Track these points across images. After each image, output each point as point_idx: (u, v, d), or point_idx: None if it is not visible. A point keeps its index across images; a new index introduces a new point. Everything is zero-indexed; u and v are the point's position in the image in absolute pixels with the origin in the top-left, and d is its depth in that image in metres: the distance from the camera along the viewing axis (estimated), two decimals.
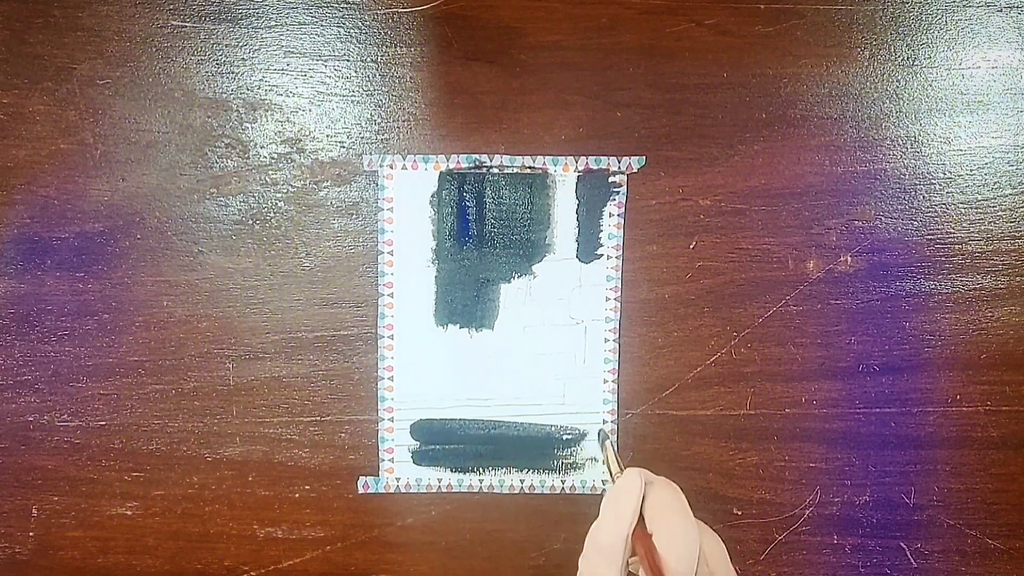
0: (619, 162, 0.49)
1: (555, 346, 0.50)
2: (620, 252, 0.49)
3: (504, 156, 0.49)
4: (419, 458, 0.51)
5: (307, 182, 0.49)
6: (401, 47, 0.48)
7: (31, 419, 0.50)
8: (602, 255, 0.50)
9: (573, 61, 0.48)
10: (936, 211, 0.49)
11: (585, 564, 0.38)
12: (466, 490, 0.51)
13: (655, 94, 0.49)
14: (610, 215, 0.49)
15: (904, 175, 0.49)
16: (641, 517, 0.37)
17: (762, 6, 0.48)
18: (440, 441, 0.51)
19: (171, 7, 0.48)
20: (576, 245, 0.50)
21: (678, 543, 0.36)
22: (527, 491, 0.51)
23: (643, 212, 0.49)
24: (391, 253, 0.50)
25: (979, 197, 0.49)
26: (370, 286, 0.50)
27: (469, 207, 0.49)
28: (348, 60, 0.48)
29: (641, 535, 0.37)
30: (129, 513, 0.51)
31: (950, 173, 0.49)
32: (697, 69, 0.48)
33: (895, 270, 0.50)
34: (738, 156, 0.49)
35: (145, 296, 0.50)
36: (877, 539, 0.51)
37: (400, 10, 0.48)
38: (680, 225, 0.49)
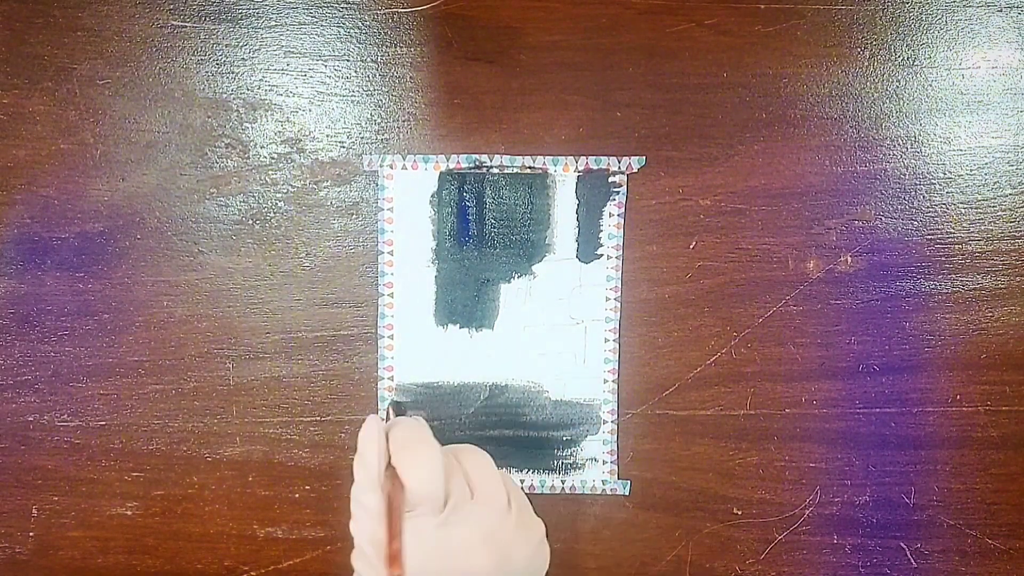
0: (619, 162, 0.49)
1: (555, 346, 0.50)
2: (620, 252, 0.49)
3: (504, 156, 0.49)
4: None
5: (307, 182, 0.49)
6: (401, 47, 0.48)
7: (31, 419, 0.50)
8: (602, 255, 0.50)
9: (573, 61, 0.48)
10: (936, 211, 0.49)
11: (355, 527, 0.38)
12: None
13: (655, 94, 0.49)
14: (610, 215, 0.49)
15: (904, 175, 0.49)
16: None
17: (762, 6, 0.48)
18: (440, 441, 0.51)
19: (171, 7, 0.48)
20: (576, 245, 0.50)
21: (418, 467, 0.36)
22: (527, 491, 0.51)
23: (643, 212, 0.49)
24: (391, 253, 0.50)
25: (979, 197, 0.49)
26: (370, 286, 0.50)
27: (469, 207, 0.49)
28: (348, 60, 0.48)
29: (392, 475, 0.36)
30: (129, 513, 0.51)
31: (950, 173, 0.49)
32: (697, 69, 0.48)
33: (895, 270, 0.50)
34: (738, 156, 0.49)
35: (145, 296, 0.50)
36: (877, 539, 0.51)
37: (400, 10, 0.48)
38: (680, 225, 0.49)
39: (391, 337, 0.50)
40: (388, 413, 0.45)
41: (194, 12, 0.48)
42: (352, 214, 0.49)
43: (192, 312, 0.50)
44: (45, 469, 0.51)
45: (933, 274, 0.50)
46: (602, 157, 0.49)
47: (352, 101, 0.49)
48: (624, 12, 0.48)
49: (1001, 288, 0.50)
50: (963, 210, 0.49)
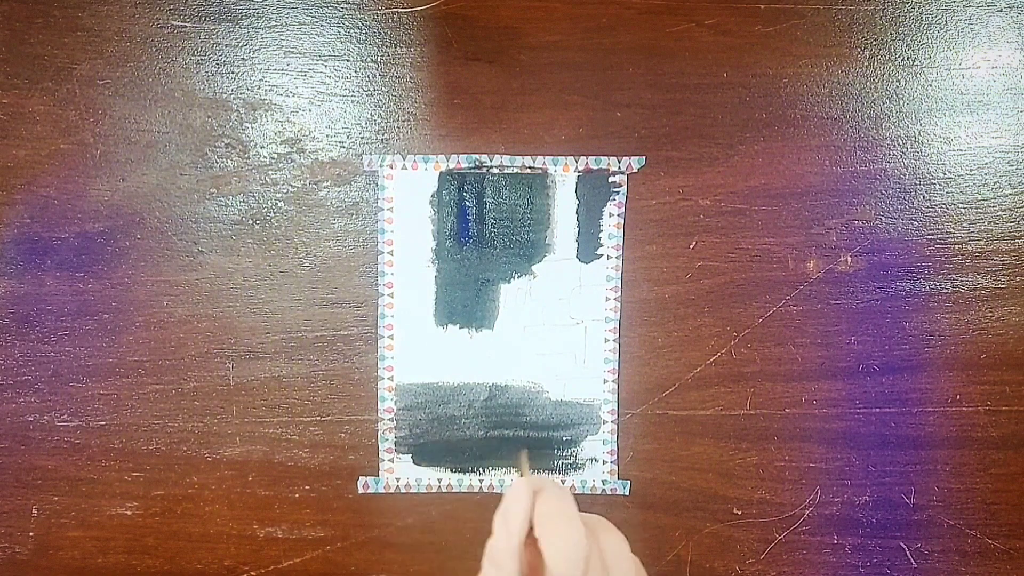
0: (619, 162, 0.49)
1: (555, 346, 0.50)
2: (620, 252, 0.49)
3: (504, 156, 0.49)
4: (419, 458, 0.51)
5: (307, 182, 0.49)
6: (401, 47, 0.48)
7: (31, 419, 0.50)
8: (602, 255, 0.50)
9: (573, 61, 0.48)
10: (936, 211, 0.49)
11: None
12: (466, 490, 0.51)
13: (655, 94, 0.49)
14: (610, 215, 0.49)
15: (904, 175, 0.49)
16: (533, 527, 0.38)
17: (762, 6, 0.48)
18: (440, 441, 0.51)
19: (171, 7, 0.48)
20: (576, 245, 0.50)
21: (561, 546, 0.36)
22: None
23: (643, 212, 0.49)
24: (391, 253, 0.50)
25: (979, 197, 0.49)
26: (370, 286, 0.50)
27: (469, 207, 0.49)
28: (348, 60, 0.48)
29: (531, 543, 0.37)
30: (129, 513, 0.51)
31: (950, 173, 0.49)
32: (697, 69, 0.48)
33: (895, 270, 0.50)
34: (738, 156, 0.49)
35: (145, 296, 0.50)
36: (877, 539, 0.51)
37: (400, 10, 0.48)
38: (680, 225, 0.49)
39: (391, 337, 0.50)
40: (525, 459, 0.47)
41: (194, 12, 0.48)
42: (352, 214, 0.49)
43: (192, 312, 0.50)
44: (45, 469, 0.51)
45: (933, 274, 0.50)
46: (602, 157, 0.49)
47: (352, 101, 0.49)
48: (624, 12, 0.48)
49: (1001, 288, 0.50)
50: (963, 210, 0.49)
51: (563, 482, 0.51)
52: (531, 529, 0.38)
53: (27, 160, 0.49)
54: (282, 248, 0.50)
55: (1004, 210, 0.49)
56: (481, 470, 0.51)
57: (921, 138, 0.49)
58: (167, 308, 0.50)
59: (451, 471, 0.51)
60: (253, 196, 0.49)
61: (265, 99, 0.49)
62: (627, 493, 0.51)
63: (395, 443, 0.51)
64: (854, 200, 0.49)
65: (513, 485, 0.39)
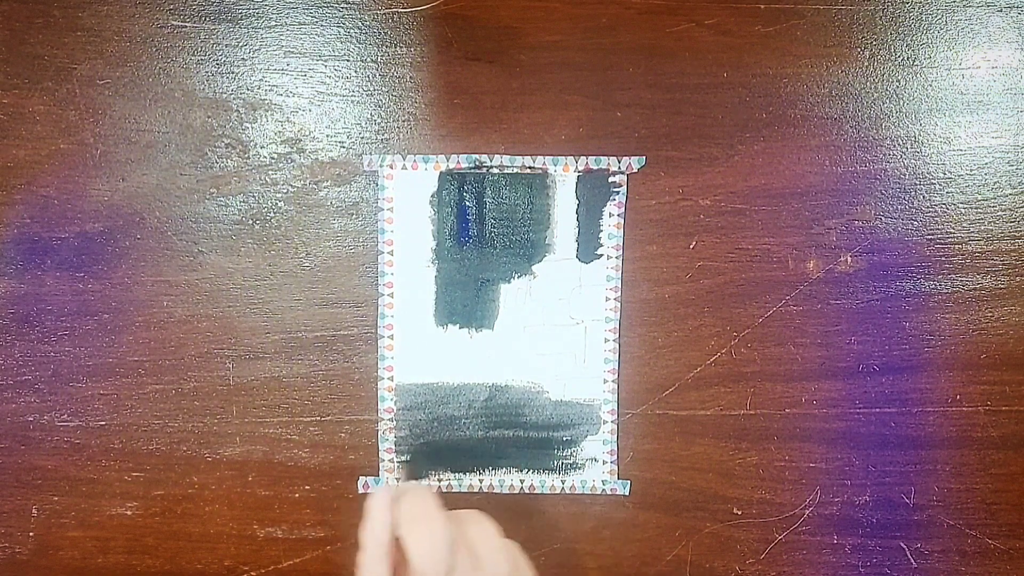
0: (619, 162, 0.49)
1: (555, 346, 0.50)
2: (620, 252, 0.49)
3: (504, 156, 0.49)
4: (419, 458, 0.51)
5: (307, 182, 0.49)
6: (401, 47, 0.48)
7: (31, 419, 0.50)
8: (602, 255, 0.50)
9: (573, 61, 0.48)
10: (936, 211, 0.49)
11: None
12: (466, 490, 0.51)
13: (655, 94, 0.49)
14: (610, 215, 0.49)
15: (904, 175, 0.49)
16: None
17: (762, 6, 0.48)
18: (440, 441, 0.51)
19: (171, 7, 0.48)
20: (576, 245, 0.50)
21: (422, 543, 0.37)
22: (527, 491, 0.51)
23: (643, 212, 0.49)
24: (391, 253, 0.50)
25: (979, 197, 0.49)
26: (370, 286, 0.50)
27: (469, 207, 0.49)
28: (348, 60, 0.48)
29: (396, 546, 0.38)
30: (129, 513, 0.51)
31: (950, 173, 0.49)
32: (697, 69, 0.48)
33: (895, 270, 0.50)
34: (738, 156, 0.49)
35: (145, 296, 0.50)
36: (877, 539, 0.51)
37: (400, 10, 0.48)
38: (680, 225, 0.49)
39: (391, 337, 0.50)
40: (400, 469, 0.48)
41: (194, 12, 0.48)
42: (352, 214, 0.49)
43: (192, 312, 0.50)
44: (45, 469, 0.51)
45: (933, 274, 0.50)
46: (602, 157, 0.49)
47: (352, 101, 0.49)
48: (624, 12, 0.48)
49: (1001, 288, 0.50)
50: (963, 210, 0.49)
51: (563, 482, 0.51)
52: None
53: (27, 160, 0.49)
54: (282, 248, 0.50)
55: (1004, 210, 0.49)
56: (481, 470, 0.51)
57: (921, 138, 0.49)
58: (167, 308, 0.50)
59: (451, 471, 0.51)
60: (253, 196, 0.49)
61: (265, 99, 0.49)
62: (627, 493, 0.51)
63: (395, 443, 0.51)
64: (854, 200, 0.49)
65: (371, 496, 0.39)
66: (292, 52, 0.48)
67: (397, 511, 0.38)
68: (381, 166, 0.49)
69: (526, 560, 0.41)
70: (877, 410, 0.51)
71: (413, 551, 0.37)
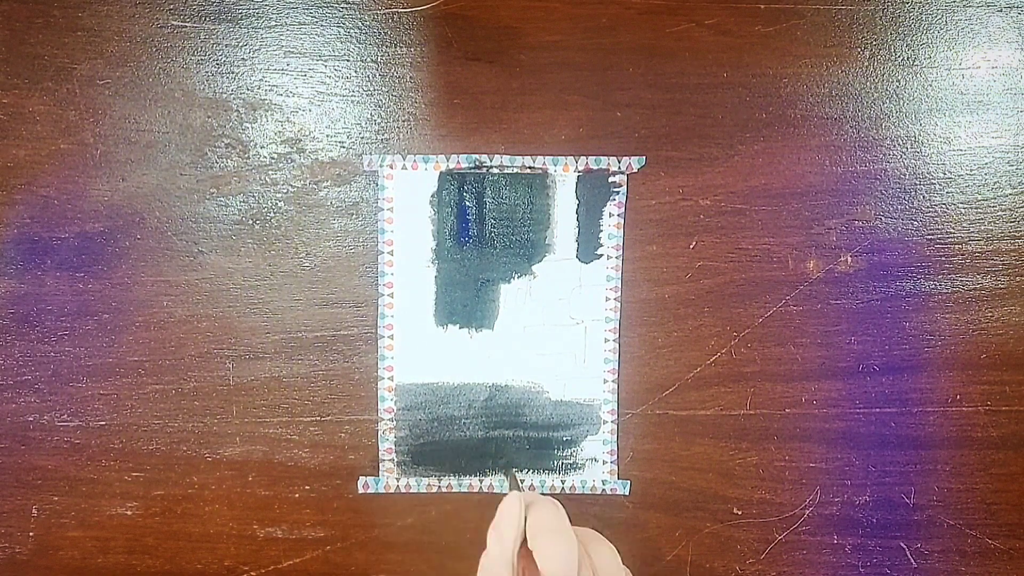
0: (619, 162, 0.49)
1: (555, 346, 0.50)
2: (620, 252, 0.49)
3: (504, 156, 0.49)
4: (419, 458, 0.51)
5: (307, 182, 0.49)
6: (401, 47, 0.48)
7: (31, 419, 0.50)
8: (602, 255, 0.50)
9: (573, 61, 0.48)
10: (936, 211, 0.49)
11: None
12: (466, 490, 0.51)
13: (655, 94, 0.49)
14: (610, 215, 0.49)
15: (904, 175, 0.49)
16: (527, 539, 0.39)
17: (762, 6, 0.48)
18: (440, 441, 0.51)
19: (171, 7, 0.48)
20: (576, 245, 0.50)
21: (554, 556, 0.37)
22: (527, 491, 0.51)
23: (643, 212, 0.49)
24: (391, 253, 0.50)
25: (979, 197, 0.49)
26: (370, 286, 0.50)
27: (469, 207, 0.49)
28: (348, 60, 0.48)
29: (524, 553, 0.38)
30: (129, 513, 0.51)
31: (950, 173, 0.49)
32: (697, 69, 0.48)
33: (895, 270, 0.50)
34: (738, 156, 0.49)
35: (145, 296, 0.50)
36: (877, 539, 0.51)
37: (400, 10, 0.48)
38: (680, 225, 0.49)
39: (391, 337, 0.50)
40: (514, 475, 0.49)
41: (194, 12, 0.48)
42: (352, 214, 0.49)
43: (192, 312, 0.50)
44: (45, 469, 0.51)
45: (933, 274, 0.50)
46: (602, 157, 0.49)
47: (352, 101, 0.49)
48: (624, 12, 0.48)
49: (1001, 288, 0.50)
50: (963, 210, 0.49)
51: (563, 482, 0.51)
52: (524, 542, 0.38)
53: (27, 160, 0.49)
54: (282, 248, 0.50)
55: (1004, 210, 0.49)
56: (481, 470, 0.51)
57: (921, 138, 0.49)
58: (167, 308, 0.50)
59: (451, 471, 0.51)
60: (253, 196, 0.49)
61: (265, 99, 0.49)
62: (627, 493, 0.51)
63: (395, 443, 0.51)
64: (854, 200, 0.49)
65: (505, 499, 0.40)
66: (292, 52, 0.48)
67: (529, 520, 0.39)
68: (381, 166, 0.49)
69: None
70: (877, 410, 0.51)
71: (545, 560, 0.37)
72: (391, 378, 0.50)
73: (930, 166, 0.49)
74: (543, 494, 0.51)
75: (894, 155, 0.49)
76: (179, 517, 0.51)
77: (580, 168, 0.49)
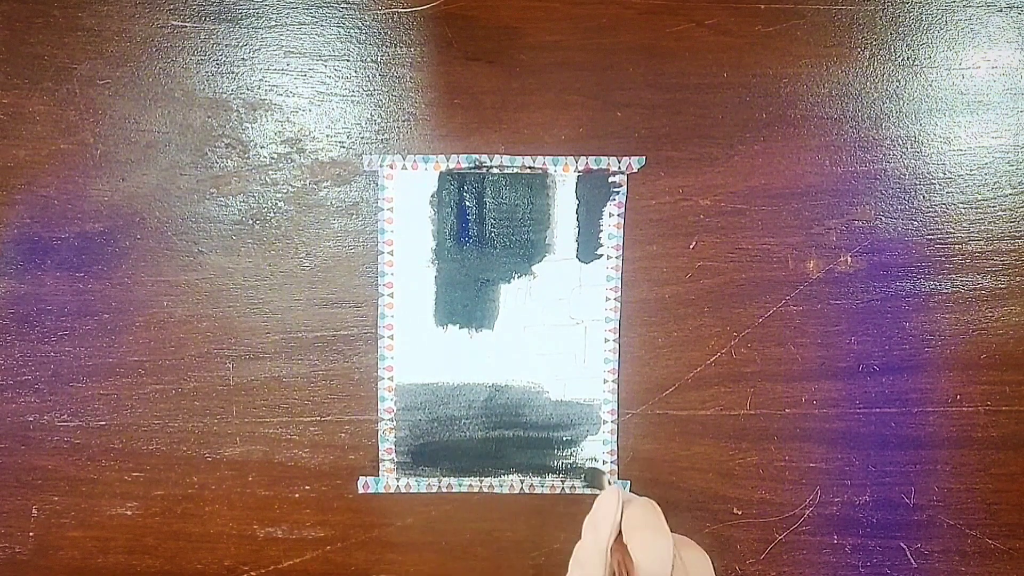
0: (619, 162, 0.49)
1: (555, 346, 0.50)
2: (620, 252, 0.50)
3: (504, 156, 0.49)
4: (419, 458, 0.51)
5: (307, 182, 0.49)
6: (401, 47, 0.48)
7: (31, 419, 0.50)
8: (602, 255, 0.50)
9: (573, 61, 0.48)
10: (936, 211, 0.49)
11: None
12: (466, 490, 0.51)
13: (655, 94, 0.49)
14: (610, 215, 0.49)
15: (904, 175, 0.49)
16: (621, 534, 0.39)
17: (762, 6, 0.48)
18: (440, 441, 0.51)
19: (171, 7, 0.48)
20: (576, 245, 0.50)
21: (650, 551, 0.38)
22: (527, 491, 0.51)
23: (643, 212, 0.49)
24: (391, 253, 0.50)
25: (979, 197, 0.49)
26: (370, 286, 0.50)
27: (469, 207, 0.49)
28: (348, 60, 0.48)
29: (618, 547, 0.39)
30: (129, 513, 0.51)
31: (950, 173, 0.49)
32: (697, 69, 0.48)
33: (895, 270, 0.50)
34: (738, 156, 0.49)
35: (145, 296, 0.50)
36: (877, 539, 0.51)
37: (400, 10, 0.48)
38: (680, 225, 0.49)
39: (391, 337, 0.50)
40: (600, 476, 0.49)
41: (194, 12, 0.48)
42: (352, 214, 0.49)
43: (192, 312, 0.50)
44: (45, 469, 0.51)
45: (933, 274, 0.50)
46: (602, 157, 0.49)
47: (352, 101, 0.49)
48: (624, 12, 0.48)
49: (1001, 288, 0.50)
50: (963, 210, 0.49)
51: (563, 482, 0.51)
52: (618, 536, 0.39)
53: (27, 160, 0.49)
54: (282, 248, 0.50)
55: (1004, 210, 0.49)
56: (481, 470, 0.51)
57: (921, 138, 0.49)
58: (167, 308, 0.50)
59: (451, 471, 0.51)
60: (253, 196, 0.49)
61: (265, 99, 0.49)
62: None
63: (395, 443, 0.51)
64: (854, 200, 0.49)
65: (603, 493, 0.41)
66: (292, 52, 0.48)
67: (625, 515, 0.39)
68: (381, 166, 0.49)
69: None
70: (877, 410, 0.51)
71: (642, 556, 0.37)
72: (391, 378, 0.50)
73: (930, 166, 0.49)
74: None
75: (894, 155, 0.49)
76: (179, 517, 0.51)
77: (580, 168, 0.49)
